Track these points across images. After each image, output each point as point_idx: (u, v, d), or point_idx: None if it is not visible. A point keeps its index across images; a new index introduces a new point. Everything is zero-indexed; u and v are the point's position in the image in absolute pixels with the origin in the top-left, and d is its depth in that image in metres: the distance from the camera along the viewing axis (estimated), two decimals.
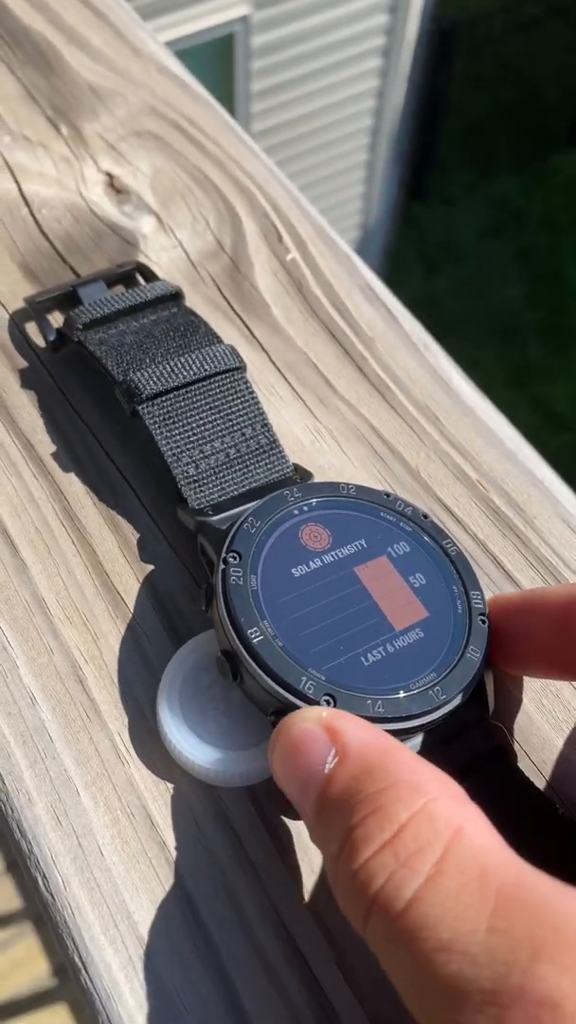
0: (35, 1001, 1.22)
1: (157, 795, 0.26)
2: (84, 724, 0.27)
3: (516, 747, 0.28)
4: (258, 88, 2.84)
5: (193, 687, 0.27)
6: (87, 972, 0.24)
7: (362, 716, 0.23)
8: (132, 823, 0.26)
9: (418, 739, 0.25)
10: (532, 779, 0.25)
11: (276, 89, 2.88)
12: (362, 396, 0.35)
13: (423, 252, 3.74)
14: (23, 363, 0.35)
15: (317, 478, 0.31)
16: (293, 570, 0.26)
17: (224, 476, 0.29)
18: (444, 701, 0.25)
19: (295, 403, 0.35)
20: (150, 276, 0.37)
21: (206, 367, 0.30)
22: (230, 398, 0.31)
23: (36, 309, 0.35)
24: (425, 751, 0.25)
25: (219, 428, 0.30)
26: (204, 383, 0.30)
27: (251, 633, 0.24)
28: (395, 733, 0.24)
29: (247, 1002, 0.24)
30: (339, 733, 0.21)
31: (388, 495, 0.29)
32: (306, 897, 0.25)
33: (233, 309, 0.37)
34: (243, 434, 0.30)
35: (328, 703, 0.24)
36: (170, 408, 0.30)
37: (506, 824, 0.20)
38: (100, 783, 0.26)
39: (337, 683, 0.24)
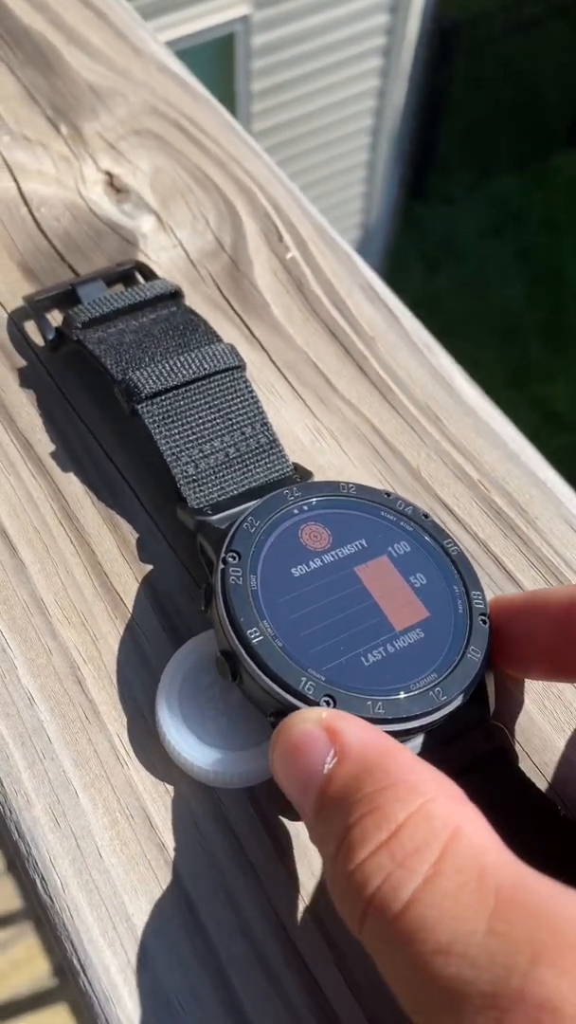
0: (35, 1001, 1.21)
1: (156, 796, 0.26)
2: (83, 725, 0.27)
3: (517, 748, 0.28)
4: (259, 88, 2.84)
5: (192, 687, 0.27)
6: (86, 974, 0.24)
7: (362, 717, 0.23)
8: (131, 825, 0.25)
9: (419, 740, 0.25)
10: (533, 780, 0.25)
11: (277, 89, 2.88)
12: (363, 396, 0.35)
13: (424, 252, 3.74)
14: (22, 362, 0.35)
15: (317, 478, 0.31)
16: (293, 570, 0.26)
17: (224, 475, 0.29)
18: (445, 702, 0.24)
19: (295, 402, 0.34)
20: (149, 275, 0.37)
21: (205, 366, 0.30)
22: (230, 397, 0.30)
23: (35, 308, 0.35)
24: (426, 751, 0.24)
25: (218, 427, 0.30)
26: (203, 382, 0.30)
27: (251, 633, 0.24)
28: (395, 734, 0.23)
29: (246, 1004, 0.23)
30: (339, 733, 0.21)
31: (389, 494, 0.29)
32: (306, 899, 0.25)
33: (233, 308, 0.37)
34: (243, 433, 0.30)
35: (328, 704, 0.23)
36: (169, 407, 0.30)
37: (506, 825, 0.20)
38: (99, 784, 0.26)
39: (337, 683, 0.24)
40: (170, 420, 0.29)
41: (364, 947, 0.19)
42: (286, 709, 0.24)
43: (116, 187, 0.40)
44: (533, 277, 3.65)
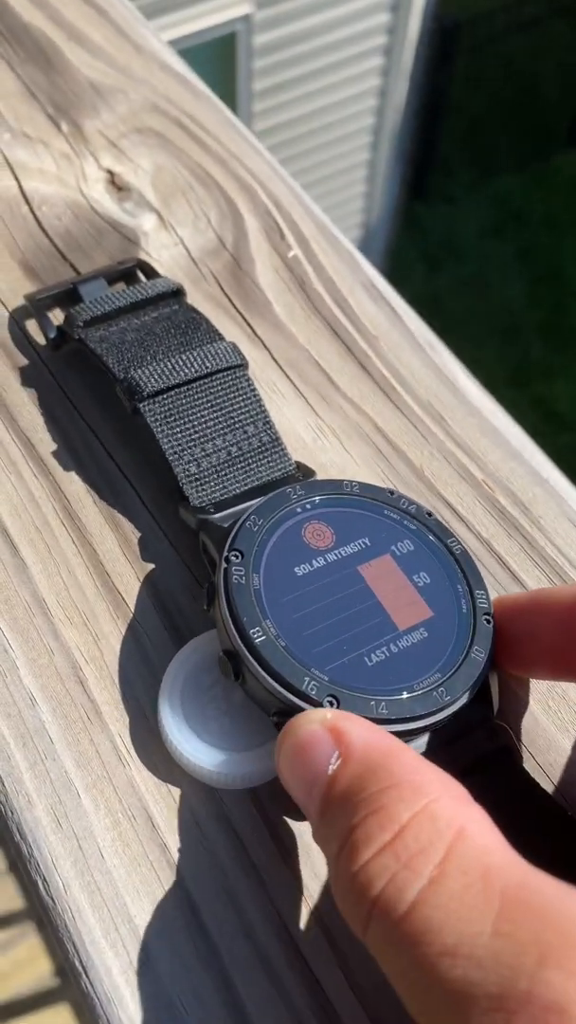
0: (37, 1001, 1.21)
1: (159, 797, 0.26)
2: (85, 725, 0.27)
3: (521, 749, 0.27)
4: (260, 87, 2.84)
5: (195, 687, 0.27)
6: (87, 976, 0.23)
7: (365, 717, 0.23)
8: (133, 825, 0.25)
9: (422, 740, 0.24)
10: (538, 781, 0.24)
11: (278, 88, 2.88)
12: (365, 394, 0.35)
13: (424, 251, 3.73)
14: (23, 361, 0.35)
15: (319, 476, 0.30)
16: (296, 569, 0.26)
17: (226, 474, 0.29)
18: (448, 702, 0.24)
19: (297, 401, 0.34)
20: (151, 273, 0.36)
21: (207, 364, 0.30)
22: (232, 396, 0.30)
23: (36, 307, 0.35)
24: (430, 751, 0.24)
25: (221, 426, 0.30)
26: (205, 380, 0.30)
27: (253, 633, 0.24)
28: (399, 734, 0.23)
29: (249, 1005, 0.23)
30: (343, 734, 0.21)
31: (392, 492, 0.28)
32: (309, 900, 0.25)
33: (235, 306, 0.37)
34: (245, 432, 0.30)
35: (331, 704, 0.23)
36: (171, 406, 0.29)
37: (511, 825, 0.19)
38: (101, 785, 0.26)
39: (340, 684, 0.24)
40: (172, 419, 0.29)
41: (368, 949, 0.18)
42: (289, 709, 0.24)
43: (117, 185, 0.40)
44: (534, 277, 3.64)
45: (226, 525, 0.27)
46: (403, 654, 0.25)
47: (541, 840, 0.23)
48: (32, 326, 0.36)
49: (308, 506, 0.27)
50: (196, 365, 0.30)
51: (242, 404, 0.30)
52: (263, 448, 0.30)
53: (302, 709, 0.23)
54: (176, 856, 0.25)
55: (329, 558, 0.26)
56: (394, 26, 2.96)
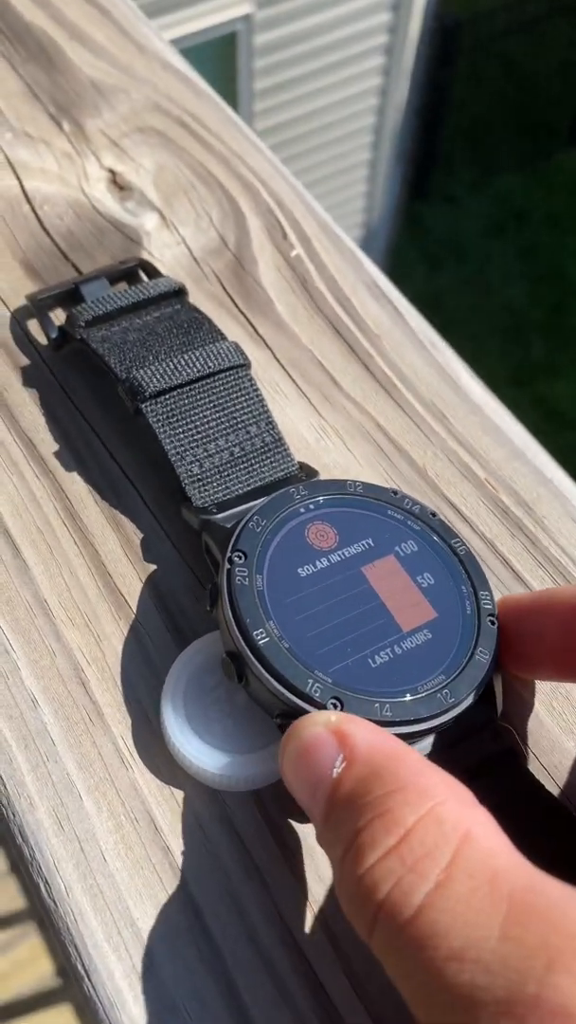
0: (39, 1001, 1.21)
1: (161, 800, 0.26)
2: (87, 727, 0.27)
3: (526, 751, 0.27)
4: (261, 87, 2.84)
5: (197, 689, 0.27)
6: (90, 980, 0.23)
7: (369, 719, 0.23)
8: (135, 828, 0.25)
9: (427, 741, 0.24)
10: (542, 782, 0.24)
11: (279, 87, 2.88)
12: (368, 394, 0.35)
13: (426, 250, 3.73)
14: (25, 361, 0.35)
15: (322, 476, 0.30)
16: (299, 570, 0.26)
17: (228, 474, 0.29)
18: (453, 704, 0.24)
19: (300, 401, 0.34)
20: (153, 273, 0.36)
21: (210, 364, 0.30)
22: (234, 396, 0.30)
23: (38, 306, 0.35)
24: (434, 753, 0.24)
25: (223, 426, 0.30)
26: (208, 380, 0.30)
27: (257, 635, 0.24)
28: (404, 736, 0.23)
29: (252, 1008, 0.23)
30: (347, 737, 0.21)
31: (396, 493, 0.28)
32: (312, 902, 0.25)
33: (237, 306, 0.37)
34: (247, 432, 0.30)
35: (335, 706, 0.23)
36: (173, 406, 0.29)
37: (516, 827, 0.19)
38: (103, 787, 0.26)
39: (344, 686, 0.24)
40: (174, 419, 0.29)
41: (374, 952, 0.18)
42: (293, 711, 0.23)
43: (119, 184, 0.40)
44: (535, 276, 3.64)
45: (229, 525, 0.27)
46: (407, 656, 0.25)
47: (546, 842, 0.23)
48: (34, 326, 0.36)
49: (311, 506, 0.27)
50: (198, 365, 0.30)
51: (245, 404, 0.30)
52: (266, 448, 0.30)
53: (306, 711, 0.23)
54: (179, 859, 0.25)
55: (333, 559, 0.26)
56: (395, 25, 2.96)
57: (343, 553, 0.26)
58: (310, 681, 0.23)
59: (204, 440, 0.29)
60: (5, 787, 0.26)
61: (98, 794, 0.26)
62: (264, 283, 0.38)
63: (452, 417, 0.34)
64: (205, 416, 0.29)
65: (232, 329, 0.36)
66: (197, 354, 0.30)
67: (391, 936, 0.17)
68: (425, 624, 0.26)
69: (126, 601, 0.29)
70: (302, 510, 0.27)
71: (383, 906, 0.18)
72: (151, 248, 0.38)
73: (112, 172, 0.41)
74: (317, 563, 0.26)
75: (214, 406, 0.30)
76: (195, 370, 0.30)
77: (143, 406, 0.29)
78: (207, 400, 0.30)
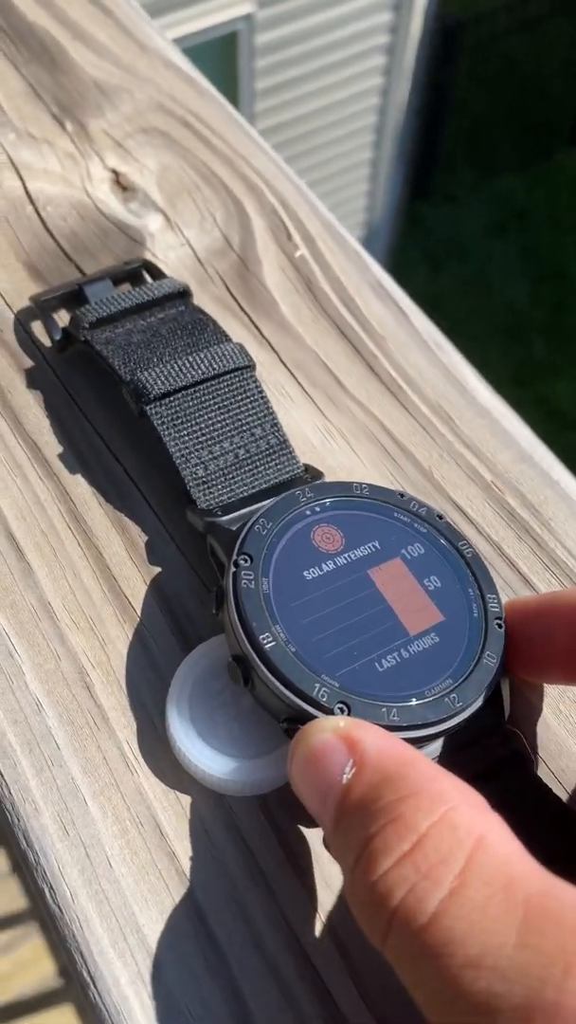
0: (41, 1002, 1.21)
1: (167, 805, 0.26)
2: (92, 731, 0.27)
3: (535, 756, 0.27)
4: (262, 86, 2.84)
5: (203, 693, 0.27)
6: (95, 987, 0.23)
7: (377, 724, 0.22)
8: (141, 833, 0.25)
9: (434, 746, 0.24)
10: (550, 787, 0.24)
11: (280, 87, 2.88)
12: (373, 395, 0.34)
13: (427, 250, 3.73)
14: (29, 363, 0.35)
15: (327, 479, 0.30)
16: (305, 573, 0.26)
17: (234, 477, 0.29)
18: (460, 708, 0.24)
19: (305, 403, 0.34)
20: (157, 274, 0.36)
21: (215, 366, 0.30)
22: (239, 397, 0.30)
23: (42, 308, 0.34)
24: (442, 757, 0.24)
25: (228, 428, 0.29)
26: (213, 382, 0.30)
27: (263, 638, 0.24)
28: (412, 741, 0.23)
29: (258, 1015, 0.23)
30: (357, 743, 0.21)
31: (402, 495, 0.28)
32: (319, 908, 0.24)
33: (241, 307, 0.37)
34: (252, 434, 0.30)
35: (342, 711, 0.23)
36: (178, 408, 0.29)
37: (524, 831, 0.19)
38: (108, 792, 0.26)
39: (351, 690, 0.24)
40: (179, 421, 0.29)
41: (387, 959, 0.18)
42: (300, 715, 0.23)
43: (123, 185, 0.40)
44: (537, 275, 3.64)
45: (234, 528, 0.27)
46: (414, 659, 0.25)
47: (555, 846, 0.22)
48: (37, 328, 0.35)
49: (317, 509, 0.27)
50: (203, 367, 0.30)
51: (250, 406, 0.30)
52: (271, 450, 0.30)
53: (313, 716, 0.23)
54: (184, 864, 0.25)
55: (339, 562, 0.26)
56: (396, 25, 2.96)
57: (349, 556, 0.26)
58: (317, 685, 0.23)
59: (209, 442, 0.29)
60: (9, 792, 0.26)
61: (103, 799, 0.25)
62: (268, 284, 0.37)
63: (458, 419, 0.34)
64: (210, 418, 0.29)
65: (236, 331, 0.36)
66: (202, 356, 0.30)
67: (405, 943, 0.17)
68: (432, 627, 0.25)
69: (131, 604, 0.29)
70: (308, 512, 0.27)
71: (397, 913, 0.18)
72: (155, 249, 0.38)
73: (115, 173, 0.40)
74: (323, 566, 0.26)
75: (219, 408, 0.30)
76: (200, 372, 0.30)
77: (148, 408, 0.29)
78: (212, 402, 0.29)
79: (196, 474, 0.29)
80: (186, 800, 0.26)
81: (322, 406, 0.34)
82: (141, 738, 0.27)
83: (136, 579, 0.30)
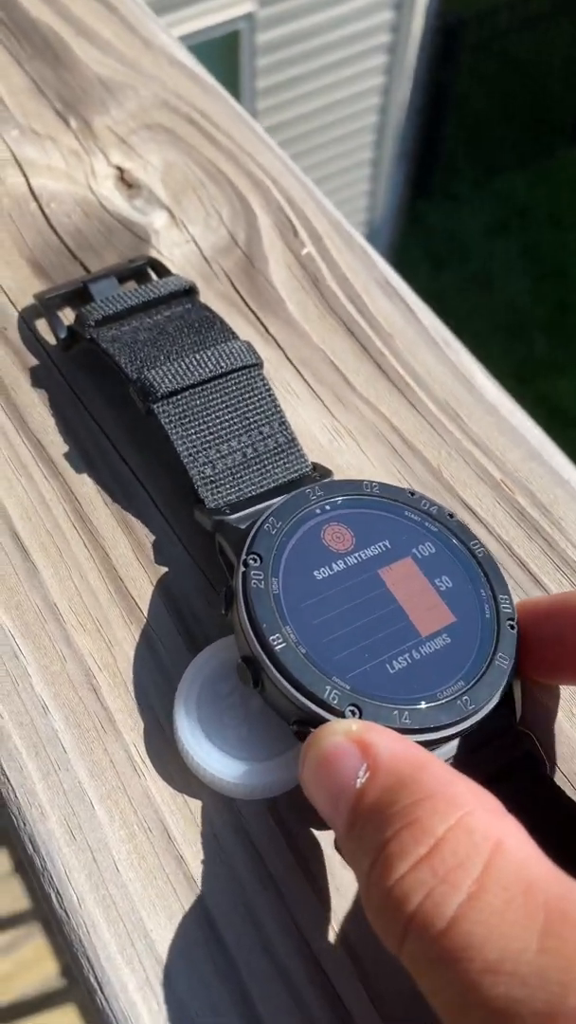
0: (44, 1002, 1.21)
1: (175, 808, 0.25)
2: (98, 734, 0.26)
3: (548, 758, 0.27)
4: (263, 85, 2.83)
5: (211, 695, 0.26)
6: (103, 993, 0.23)
7: (389, 727, 0.22)
8: (149, 837, 0.25)
9: (447, 748, 0.24)
10: (563, 789, 0.24)
11: (281, 86, 2.87)
12: (381, 394, 0.34)
13: (429, 249, 3.72)
14: (33, 361, 0.34)
15: (336, 478, 0.30)
16: (315, 572, 0.25)
17: (242, 476, 0.29)
18: (473, 711, 0.24)
19: (312, 401, 0.34)
20: (163, 271, 0.36)
21: (222, 364, 0.30)
22: (247, 396, 0.30)
23: (46, 306, 0.34)
24: (454, 759, 0.24)
25: (236, 426, 0.29)
26: (220, 380, 0.29)
27: (273, 640, 0.24)
28: (424, 744, 0.23)
29: (267, 1020, 0.23)
30: (370, 746, 0.20)
31: (413, 493, 0.28)
32: (328, 912, 0.24)
33: (247, 305, 0.36)
34: (260, 432, 0.29)
35: (353, 713, 0.23)
36: (186, 407, 0.29)
37: (537, 833, 0.19)
38: (115, 796, 0.25)
39: (362, 692, 0.23)
40: (187, 420, 0.29)
41: (404, 964, 0.18)
42: (310, 718, 0.23)
43: (127, 182, 0.40)
44: (538, 273, 3.63)
45: (243, 527, 0.27)
46: (425, 661, 0.24)
47: (567, 848, 0.22)
48: (42, 325, 0.35)
49: (327, 507, 0.27)
50: (211, 365, 0.29)
51: (257, 404, 0.30)
52: (279, 449, 0.29)
53: (323, 718, 0.23)
54: (193, 869, 0.24)
55: (349, 561, 0.26)
56: (397, 24, 2.95)
57: (360, 555, 0.26)
58: (328, 687, 0.23)
59: (217, 441, 0.29)
60: (16, 796, 0.25)
61: (110, 803, 0.25)
62: (275, 282, 0.37)
63: (467, 417, 0.33)
64: (218, 416, 0.29)
65: (243, 328, 0.35)
66: (209, 354, 0.30)
67: (423, 948, 0.17)
68: (444, 628, 0.25)
69: (137, 605, 0.29)
70: (318, 511, 0.27)
71: (414, 918, 0.17)
72: (160, 246, 0.38)
73: (120, 169, 0.40)
74: (333, 565, 0.26)
75: (227, 406, 0.29)
76: (207, 370, 0.29)
77: (155, 407, 0.29)
78: (220, 400, 0.29)
79: (204, 473, 0.28)
80: (194, 804, 0.25)
81: (329, 404, 0.34)
82: (148, 741, 0.26)
83: (143, 579, 0.29)
